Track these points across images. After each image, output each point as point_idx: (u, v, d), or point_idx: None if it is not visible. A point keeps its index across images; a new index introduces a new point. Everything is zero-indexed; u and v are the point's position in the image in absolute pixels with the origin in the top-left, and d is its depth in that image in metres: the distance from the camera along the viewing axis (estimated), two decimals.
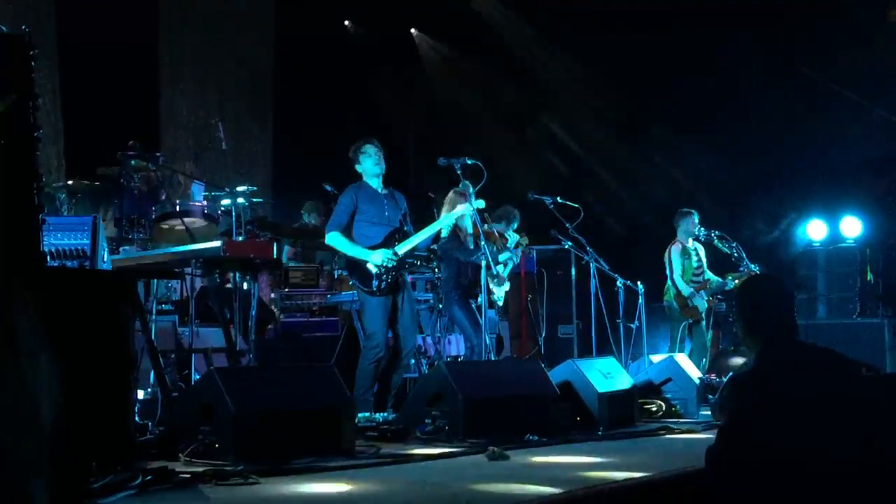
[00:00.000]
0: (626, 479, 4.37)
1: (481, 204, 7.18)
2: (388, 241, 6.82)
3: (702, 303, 9.53)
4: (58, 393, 2.80)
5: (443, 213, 7.78)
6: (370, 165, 6.91)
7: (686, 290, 9.48)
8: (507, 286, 8.51)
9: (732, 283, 9.95)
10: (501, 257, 8.11)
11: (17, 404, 2.69)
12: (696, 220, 9.66)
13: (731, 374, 7.13)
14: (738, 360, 8.79)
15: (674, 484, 4.40)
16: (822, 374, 3.59)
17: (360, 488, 4.19)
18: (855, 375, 3.65)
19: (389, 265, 6.69)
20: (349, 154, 7.01)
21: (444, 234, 7.38)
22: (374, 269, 6.69)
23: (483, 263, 7.02)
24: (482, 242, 7.05)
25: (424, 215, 8.07)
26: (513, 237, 8.68)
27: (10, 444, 2.64)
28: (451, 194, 7.85)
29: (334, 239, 6.82)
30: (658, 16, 12.70)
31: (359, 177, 6.99)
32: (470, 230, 7.88)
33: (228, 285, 7.61)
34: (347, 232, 6.84)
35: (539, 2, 13.81)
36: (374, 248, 6.74)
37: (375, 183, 6.93)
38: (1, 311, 2.75)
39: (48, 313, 2.85)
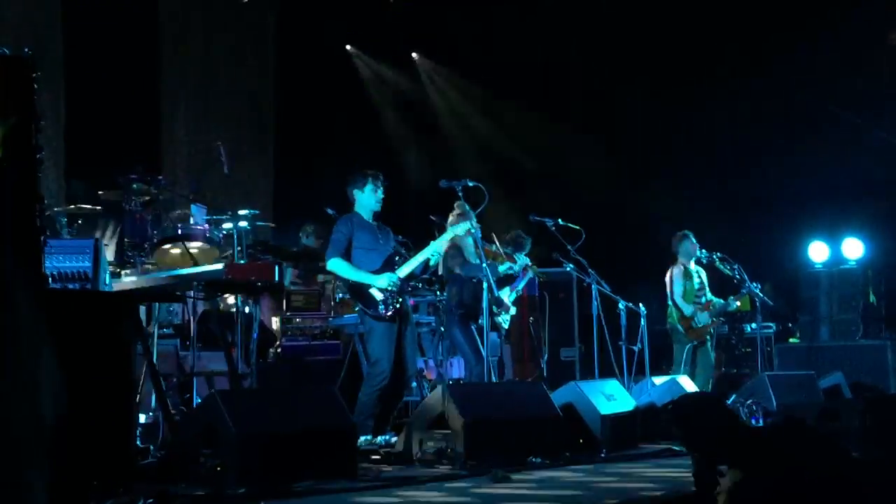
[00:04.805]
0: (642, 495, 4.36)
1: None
2: (388, 265, 6.82)
3: (705, 318, 9.49)
4: (60, 391, 2.79)
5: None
6: (370, 200, 6.90)
7: (688, 309, 9.44)
8: (513, 311, 8.46)
9: (735, 304, 9.91)
10: (501, 268, 7.96)
11: (18, 391, 2.68)
12: (694, 241, 9.64)
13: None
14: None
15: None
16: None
17: None
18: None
19: (394, 289, 6.68)
20: (350, 179, 6.99)
21: (433, 261, 7.30)
22: (378, 295, 6.67)
23: (486, 285, 6.96)
24: (483, 264, 7.00)
25: (426, 240, 8.04)
26: (522, 259, 8.62)
27: (10, 429, 2.62)
28: (450, 218, 7.82)
29: (337, 265, 6.78)
30: (657, 37, 12.76)
31: (351, 204, 7.00)
32: (471, 249, 7.79)
33: (232, 308, 7.59)
34: (347, 259, 6.81)
35: None
36: (376, 272, 6.73)
37: (367, 215, 6.94)
38: (3, 303, 2.75)
39: (50, 333, 2.85)
